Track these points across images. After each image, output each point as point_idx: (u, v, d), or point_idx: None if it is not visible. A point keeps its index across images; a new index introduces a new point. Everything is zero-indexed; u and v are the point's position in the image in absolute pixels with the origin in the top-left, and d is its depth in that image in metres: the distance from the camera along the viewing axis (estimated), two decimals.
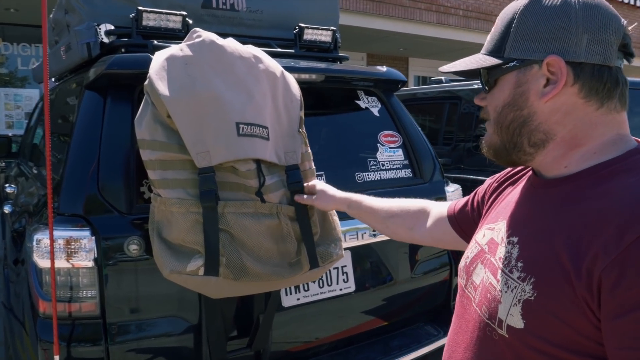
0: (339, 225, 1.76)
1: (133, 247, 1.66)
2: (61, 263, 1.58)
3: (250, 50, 1.65)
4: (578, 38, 0.78)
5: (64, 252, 1.57)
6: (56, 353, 1.55)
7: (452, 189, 2.52)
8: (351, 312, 2.17)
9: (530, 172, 0.94)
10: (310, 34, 2.53)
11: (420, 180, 2.43)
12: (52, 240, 1.52)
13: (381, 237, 2.12)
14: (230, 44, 1.60)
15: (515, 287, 0.78)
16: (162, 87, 1.45)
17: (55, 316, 1.54)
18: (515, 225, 0.87)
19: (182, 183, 1.48)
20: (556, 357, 0.75)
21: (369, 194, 1.68)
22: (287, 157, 1.60)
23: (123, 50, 2.06)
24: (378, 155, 2.35)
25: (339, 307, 2.12)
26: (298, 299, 1.98)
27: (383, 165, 2.34)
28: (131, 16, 2.10)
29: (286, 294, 1.96)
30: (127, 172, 1.73)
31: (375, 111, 2.46)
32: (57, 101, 2.46)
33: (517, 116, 0.84)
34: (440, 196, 2.45)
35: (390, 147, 2.41)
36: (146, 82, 1.53)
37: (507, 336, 0.79)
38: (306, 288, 2.01)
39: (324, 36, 2.58)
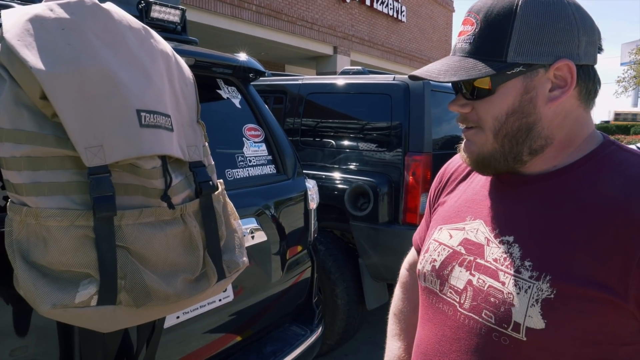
0: (241, 228, 1.56)
1: None
2: None
3: (136, 20, 1.33)
4: (579, 40, 0.78)
5: None
6: None
7: (312, 185, 2.48)
8: (229, 323, 1.97)
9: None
10: (158, 12, 2.21)
11: (284, 177, 2.34)
12: None
13: (255, 240, 1.97)
14: (116, 9, 1.27)
15: (529, 287, 0.75)
16: (32, 58, 1.07)
17: None
18: (502, 224, 0.84)
19: (63, 187, 1.11)
20: (575, 353, 0.74)
21: (236, 193, 1.51)
22: (190, 151, 1.34)
23: None
24: (245, 150, 2.17)
25: (217, 319, 1.90)
26: (178, 317, 1.70)
27: (250, 161, 2.18)
28: (139, 7, 1.76)
29: None
30: None
31: (236, 102, 2.27)
32: None
33: (523, 124, 0.81)
34: (302, 191, 2.39)
35: (254, 142, 2.25)
36: None
37: (524, 339, 0.76)
38: None
39: (173, 15, 2.29)
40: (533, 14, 0.77)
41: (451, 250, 0.89)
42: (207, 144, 1.47)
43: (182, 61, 1.46)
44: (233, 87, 2.29)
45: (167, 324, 1.65)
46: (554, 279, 0.74)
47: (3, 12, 1.19)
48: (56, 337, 1.38)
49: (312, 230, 2.47)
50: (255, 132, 2.28)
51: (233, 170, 2.06)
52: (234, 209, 1.55)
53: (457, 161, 1.05)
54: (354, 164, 3.58)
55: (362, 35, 14.51)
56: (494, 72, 0.77)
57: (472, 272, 0.84)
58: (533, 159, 0.83)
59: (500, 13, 0.78)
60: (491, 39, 0.79)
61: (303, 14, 12.12)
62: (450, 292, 0.86)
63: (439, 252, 0.91)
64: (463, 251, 0.87)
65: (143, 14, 2.19)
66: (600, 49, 0.83)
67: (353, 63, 14.27)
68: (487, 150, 0.84)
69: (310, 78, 4.19)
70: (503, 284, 0.78)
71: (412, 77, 0.89)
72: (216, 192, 1.42)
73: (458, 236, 0.89)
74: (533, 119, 0.80)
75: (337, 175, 3.56)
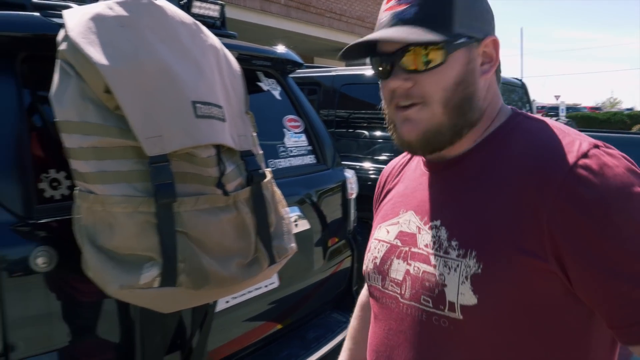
0: (289, 215, 1.61)
1: (42, 261, 1.29)
2: None
3: (188, 15, 1.39)
4: (492, 19, 0.84)
5: None
6: None
7: (350, 174, 2.52)
8: (274, 309, 2.03)
9: (407, 164, 0.97)
10: (198, 7, 2.27)
11: (324, 166, 2.38)
12: None
13: (299, 229, 2.02)
14: (168, 5, 1.33)
15: (458, 265, 0.76)
16: (96, 54, 1.14)
17: None
18: (429, 212, 0.85)
19: (126, 176, 1.18)
20: (511, 325, 0.74)
21: (278, 183, 1.54)
22: (240, 141, 1.40)
23: None
24: (285, 140, 2.22)
25: (262, 305, 1.96)
26: (227, 302, 1.77)
27: (291, 151, 2.22)
28: (181, 3, 1.79)
29: None
30: (20, 166, 1.33)
31: (276, 94, 2.32)
32: None
33: (467, 94, 0.80)
34: (341, 180, 2.43)
35: (295, 133, 2.30)
36: (64, 48, 1.19)
37: (461, 318, 0.76)
38: None
39: (212, 10, 2.35)
40: None
41: (389, 245, 0.89)
42: (255, 133, 1.53)
43: (229, 54, 1.51)
44: (272, 79, 2.34)
45: (217, 308, 1.72)
46: (478, 254, 0.74)
47: (65, 12, 1.26)
48: (118, 319, 1.45)
49: (352, 219, 2.50)
50: (295, 122, 2.33)
51: (275, 160, 2.11)
52: (282, 197, 1.60)
53: (391, 166, 1.05)
54: (389, 154, 3.59)
55: None
56: (450, 38, 0.77)
57: (409, 261, 0.84)
58: (469, 132, 0.83)
59: None
60: (437, 11, 0.79)
61: (331, 6, 12.11)
62: (392, 286, 0.87)
63: (378, 249, 0.92)
64: (399, 243, 0.87)
65: (184, 10, 2.26)
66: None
67: None
68: (434, 125, 0.81)
69: (343, 69, 4.22)
70: (434, 267, 0.79)
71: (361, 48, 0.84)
72: (265, 180, 1.48)
73: (394, 230, 0.89)
74: (473, 89, 0.81)
75: (371, 166, 3.59)
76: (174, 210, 1.22)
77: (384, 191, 1.02)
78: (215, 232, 1.29)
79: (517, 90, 5.33)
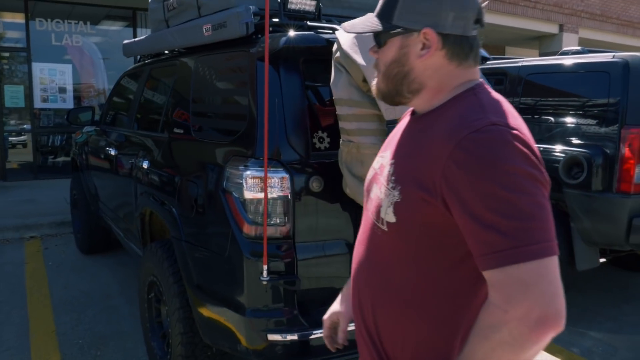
0: None
1: (316, 184, 2.13)
2: (269, 195, 2.06)
3: None
4: (446, 15, 1.00)
5: (274, 188, 2.05)
6: (265, 263, 2.03)
7: None
8: None
9: (409, 113, 1.20)
10: (294, 3, 2.60)
11: None
12: (266, 178, 1.98)
13: None
14: None
15: (390, 193, 1.03)
16: (359, 59, 1.92)
17: (265, 236, 2.01)
18: (394, 151, 1.10)
19: (373, 132, 1.95)
20: (415, 239, 1.01)
21: None
22: None
23: (271, 29, 2.49)
24: None
25: None
26: None
27: None
28: (279, 0, 2.52)
29: None
30: (304, 127, 2.20)
31: None
32: (198, 71, 2.88)
33: (400, 71, 1.06)
34: None
35: None
36: (338, 55, 1.99)
37: (387, 230, 1.04)
38: None
39: (308, 5, 2.66)
40: None
41: (374, 172, 1.16)
42: None
43: None
44: None
45: None
46: (402, 188, 1.01)
47: (337, 32, 2.06)
48: (352, 222, 2.25)
49: None
50: None
51: None
52: None
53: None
54: (569, 137, 3.91)
55: (593, 10, 13.55)
56: (381, 29, 1.06)
57: (377, 185, 1.11)
58: (414, 97, 1.08)
59: None
60: (386, 6, 1.06)
61: None
62: (369, 202, 1.14)
63: (370, 174, 1.19)
64: (378, 172, 1.13)
65: (280, 7, 2.56)
66: (478, 22, 1.04)
67: (581, 41, 13.44)
68: (380, 87, 1.12)
69: (528, 60, 4.58)
70: (381, 192, 1.07)
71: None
72: None
73: (379, 162, 1.16)
74: (407, 68, 1.05)
75: (552, 147, 3.95)
76: None
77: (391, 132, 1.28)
78: None
79: None
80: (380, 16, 1.07)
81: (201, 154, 2.58)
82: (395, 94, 1.09)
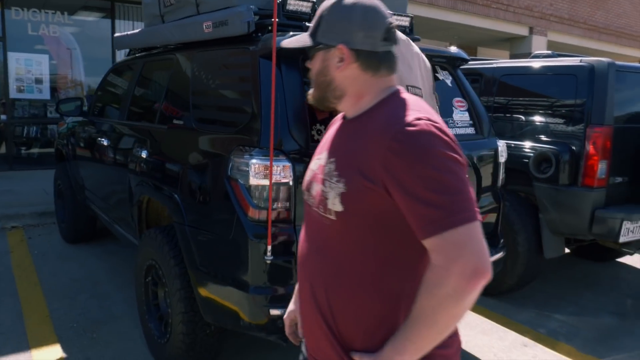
0: None
1: None
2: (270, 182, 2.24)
3: (401, 33, 2.32)
4: (356, 34, 1.17)
5: (277, 175, 2.23)
6: (269, 244, 2.21)
7: (501, 144, 3.27)
8: None
9: (337, 121, 1.34)
10: (292, 4, 2.71)
11: (481, 136, 3.17)
12: (272, 166, 2.17)
13: None
14: None
15: (334, 186, 1.15)
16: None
17: (270, 219, 2.19)
18: (332, 151, 1.23)
19: None
20: (363, 223, 1.13)
21: None
22: None
23: (270, 28, 2.66)
24: (454, 116, 3.07)
25: None
26: None
27: (457, 123, 3.06)
28: (278, 1, 2.68)
29: None
30: (304, 120, 2.38)
31: (448, 82, 3.16)
32: (197, 66, 3.02)
33: (324, 80, 1.23)
34: (494, 147, 3.19)
35: (460, 110, 3.13)
36: None
37: (335, 219, 1.16)
38: None
39: (305, 7, 2.76)
40: (331, 13, 1.20)
41: (313, 172, 1.28)
42: (438, 107, 2.41)
43: (423, 56, 2.41)
44: (446, 71, 3.18)
45: None
46: (346, 180, 1.13)
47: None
48: None
49: (500, 178, 3.26)
50: (461, 103, 3.15)
51: None
52: None
53: (332, 122, 1.40)
54: (539, 135, 4.20)
55: (561, 14, 14.08)
56: (309, 44, 1.23)
57: (317, 184, 1.23)
58: (339, 103, 1.24)
59: (321, 9, 1.23)
60: (314, 26, 1.23)
61: None
62: (310, 198, 1.27)
63: (308, 175, 1.31)
64: (318, 172, 1.25)
65: (279, 8, 2.74)
66: (386, 40, 1.18)
67: (550, 43, 13.96)
68: (313, 95, 1.29)
69: (503, 62, 4.86)
70: (325, 186, 1.19)
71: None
72: None
73: (316, 163, 1.28)
74: (329, 78, 1.22)
75: (523, 144, 4.24)
76: None
77: (322, 137, 1.40)
78: None
79: None
80: (310, 34, 1.24)
81: (203, 144, 2.73)
82: (323, 99, 1.26)
